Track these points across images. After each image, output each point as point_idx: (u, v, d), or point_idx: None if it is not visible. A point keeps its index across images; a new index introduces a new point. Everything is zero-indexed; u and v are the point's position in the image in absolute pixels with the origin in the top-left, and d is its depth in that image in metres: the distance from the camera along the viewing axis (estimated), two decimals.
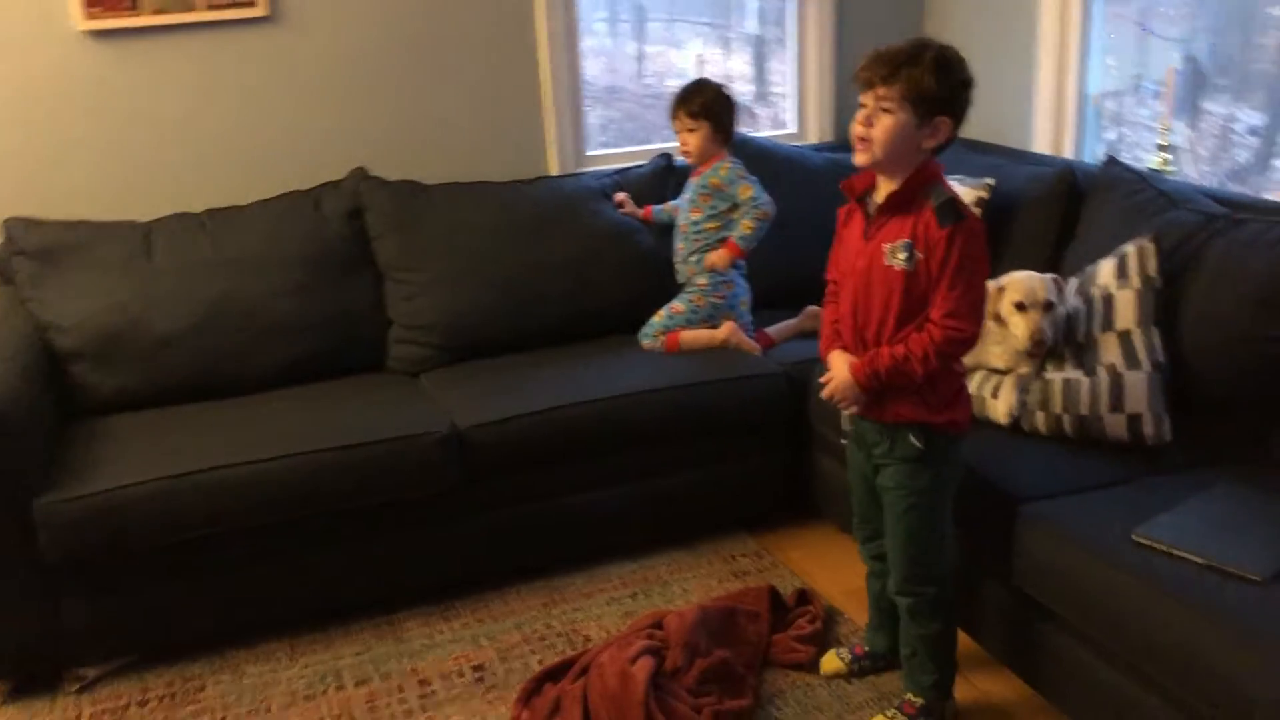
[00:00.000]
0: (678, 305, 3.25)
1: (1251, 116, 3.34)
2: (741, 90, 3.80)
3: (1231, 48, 3.34)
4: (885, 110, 2.04)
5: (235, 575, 2.65)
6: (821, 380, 2.24)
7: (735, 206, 3.21)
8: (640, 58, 4.27)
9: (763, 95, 4.27)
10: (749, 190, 3.19)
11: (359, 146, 3.42)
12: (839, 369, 2.19)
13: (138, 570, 2.55)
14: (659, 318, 3.25)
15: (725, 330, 3.19)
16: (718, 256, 3.21)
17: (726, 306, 3.24)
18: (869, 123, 2.07)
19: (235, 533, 2.58)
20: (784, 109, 4.19)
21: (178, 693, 2.58)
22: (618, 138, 3.93)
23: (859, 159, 2.11)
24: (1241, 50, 3.33)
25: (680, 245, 3.30)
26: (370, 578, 2.79)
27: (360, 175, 3.30)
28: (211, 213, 3.17)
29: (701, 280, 3.25)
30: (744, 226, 3.19)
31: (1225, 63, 3.36)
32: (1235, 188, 3.13)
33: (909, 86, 2.02)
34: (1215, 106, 3.38)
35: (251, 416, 2.84)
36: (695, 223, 3.26)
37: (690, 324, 3.22)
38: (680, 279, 3.32)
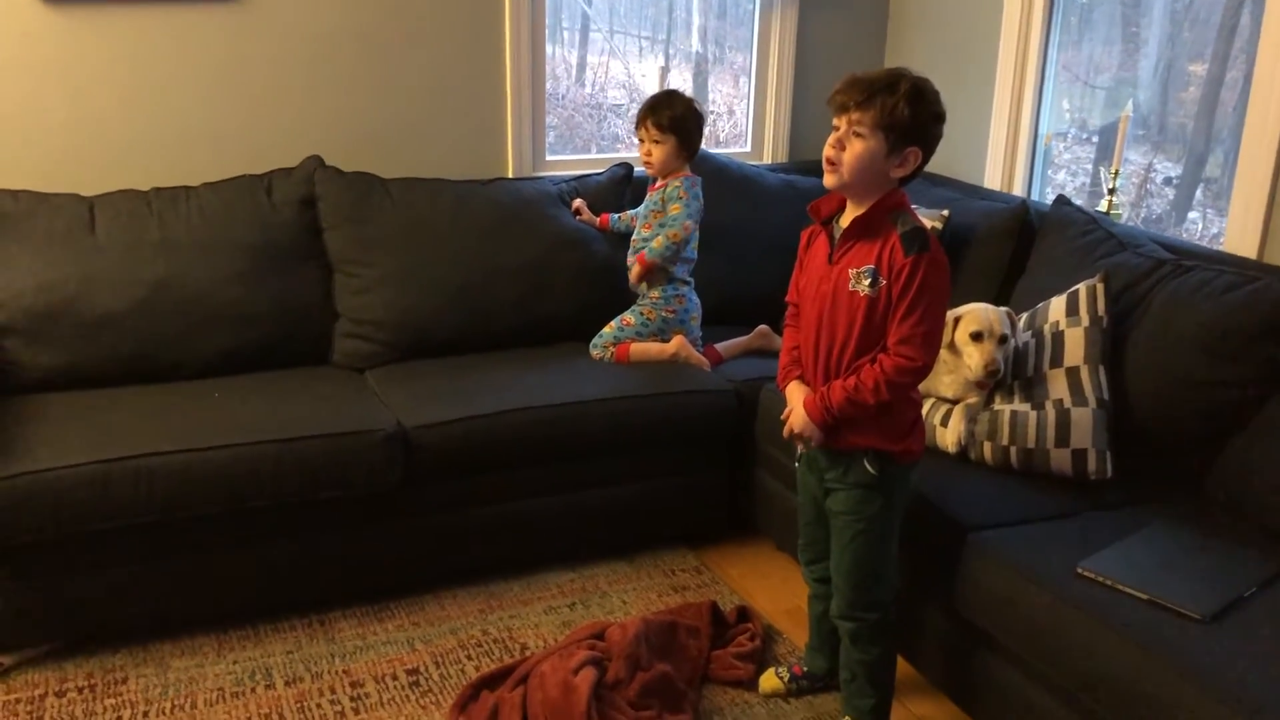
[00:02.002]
0: (628, 318, 3.24)
1: (1169, 168, 3.45)
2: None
3: (1153, 101, 3.46)
4: (857, 135, 2.05)
5: (165, 565, 2.57)
6: (782, 418, 2.25)
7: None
8: (581, 67, 4.27)
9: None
10: (676, 208, 3.18)
11: (315, 134, 3.36)
12: (796, 406, 2.20)
13: (62, 555, 2.45)
14: (610, 329, 3.23)
15: (675, 344, 3.19)
16: (633, 274, 3.23)
17: (677, 321, 3.24)
18: (840, 146, 2.08)
19: (168, 522, 2.49)
20: (722, 127, 4.22)
21: (98, 684, 2.49)
22: (555, 145, 3.91)
23: (827, 180, 2.12)
24: (1162, 104, 3.45)
25: (631, 258, 3.29)
26: (305, 575, 2.72)
27: (315, 163, 3.24)
28: (159, 191, 3.07)
29: (654, 294, 3.24)
30: (656, 241, 3.18)
31: (1147, 114, 3.48)
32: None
33: (882, 114, 2.03)
34: (1136, 156, 3.49)
35: (190, 404, 2.76)
36: (645, 238, 3.25)
37: (640, 336, 3.21)
38: (633, 290, 3.31)
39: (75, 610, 2.52)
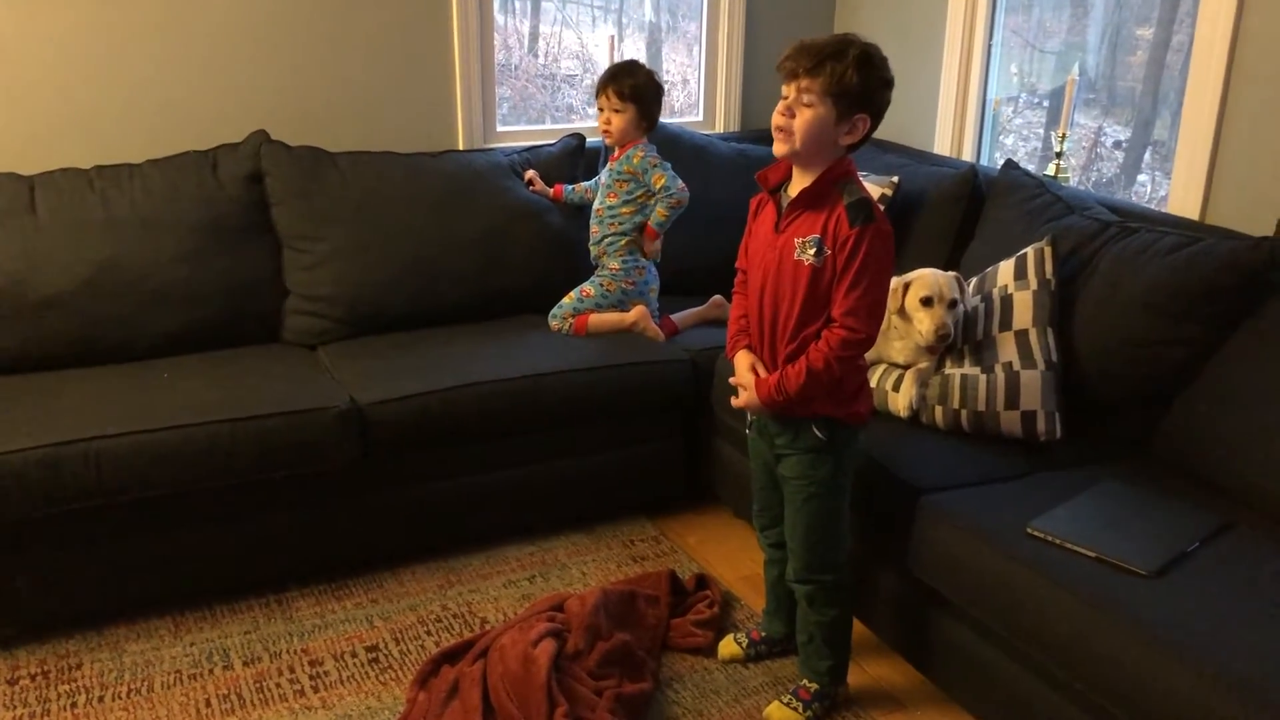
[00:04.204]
0: (588, 289, 3.23)
1: (1118, 131, 3.49)
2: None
3: (1102, 65, 3.49)
4: (806, 103, 2.05)
5: (118, 548, 2.54)
6: (732, 382, 2.26)
7: (651, 193, 3.22)
8: (534, 37, 4.23)
9: None
10: (661, 179, 3.19)
11: (260, 108, 3.31)
12: (748, 381, 2.20)
13: (12, 541, 2.42)
14: (569, 300, 3.23)
15: (635, 313, 3.19)
16: (650, 249, 3.25)
17: (636, 293, 3.24)
18: (789, 114, 2.08)
19: (120, 505, 2.47)
20: (676, 97, 4.21)
21: (51, 670, 2.46)
22: (508, 116, 3.89)
23: (777, 149, 2.12)
24: (1110, 68, 3.48)
25: (595, 228, 3.29)
26: (261, 554, 2.70)
27: (261, 138, 3.19)
28: (101, 169, 3.02)
29: (613, 265, 3.24)
30: (658, 213, 3.21)
31: (1096, 78, 3.51)
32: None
33: (831, 80, 2.03)
34: (1086, 120, 3.52)
35: (141, 384, 2.72)
36: (611, 207, 3.25)
37: (600, 308, 3.21)
38: (593, 261, 3.31)
39: (26, 596, 2.48)
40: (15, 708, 2.34)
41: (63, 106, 3.12)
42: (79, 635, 2.58)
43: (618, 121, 3.18)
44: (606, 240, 3.25)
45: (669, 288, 3.37)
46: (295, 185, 3.15)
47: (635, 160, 3.21)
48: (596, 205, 3.30)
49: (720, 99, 4.04)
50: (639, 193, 3.22)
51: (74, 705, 2.35)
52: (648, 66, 3.24)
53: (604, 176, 3.30)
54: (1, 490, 2.33)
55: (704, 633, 2.59)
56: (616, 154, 3.25)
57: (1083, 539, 2.03)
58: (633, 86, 3.15)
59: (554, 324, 3.21)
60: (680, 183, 3.20)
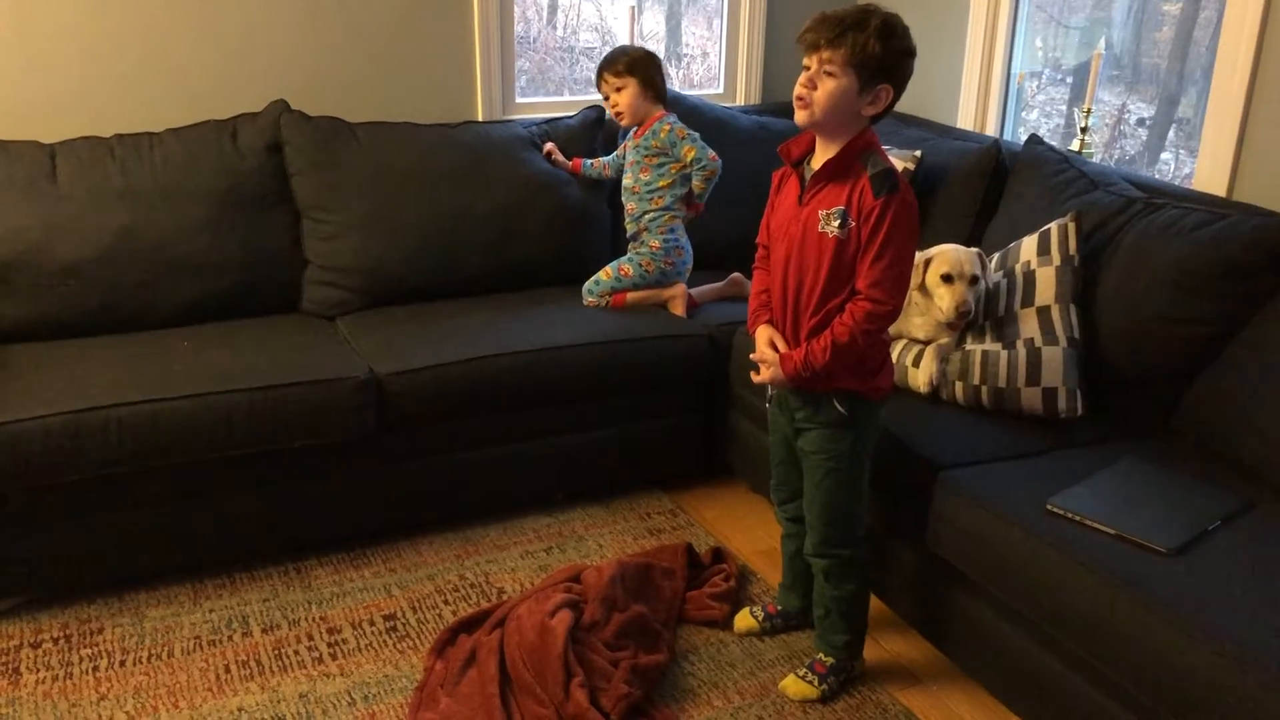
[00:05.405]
0: (626, 267, 3.22)
1: (1142, 109, 3.45)
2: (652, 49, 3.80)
3: (1127, 40, 3.45)
4: (828, 74, 2.03)
5: (139, 515, 2.56)
6: (752, 357, 2.25)
7: (682, 164, 3.20)
8: (553, 9, 4.21)
9: (675, 55, 4.25)
10: (692, 151, 3.18)
11: (280, 78, 3.30)
12: (769, 356, 2.19)
13: (34, 507, 2.44)
14: (607, 277, 3.21)
15: (674, 290, 3.19)
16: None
17: (675, 273, 3.23)
18: (811, 85, 2.06)
19: (140, 472, 2.48)
20: (696, 71, 4.18)
21: (73, 635, 2.49)
22: (526, 88, 3.87)
23: (799, 119, 2.10)
24: (1136, 43, 3.43)
25: (632, 205, 3.27)
26: (280, 523, 2.72)
27: (281, 108, 3.18)
28: (121, 138, 3.02)
29: (654, 243, 3.22)
30: (696, 185, 3.21)
31: (1120, 54, 3.46)
32: None
33: (853, 51, 2.01)
34: (1109, 96, 3.48)
35: (159, 353, 2.73)
36: (648, 183, 3.23)
37: (637, 288, 3.20)
38: (630, 235, 3.30)
39: (48, 561, 2.51)
40: (38, 670, 2.36)
41: (84, 75, 3.12)
42: (100, 600, 2.60)
43: (623, 98, 3.19)
44: (648, 216, 3.23)
45: None
46: (314, 155, 3.15)
47: (663, 134, 3.19)
48: (630, 183, 3.27)
49: (741, 71, 4.01)
50: (671, 165, 3.20)
51: (95, 669, 2.38)
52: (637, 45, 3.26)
53: (631, 153, 3.27)
54: (23, 456, 2.34)
55: (720, 606, 2.59)
56: (640, 130, 3.23)
57: (1103, 516, 2.02)
58: (627, 62, 3.17)
59: (589, 300, 3.19)
60: (710, 152, 3.19)
